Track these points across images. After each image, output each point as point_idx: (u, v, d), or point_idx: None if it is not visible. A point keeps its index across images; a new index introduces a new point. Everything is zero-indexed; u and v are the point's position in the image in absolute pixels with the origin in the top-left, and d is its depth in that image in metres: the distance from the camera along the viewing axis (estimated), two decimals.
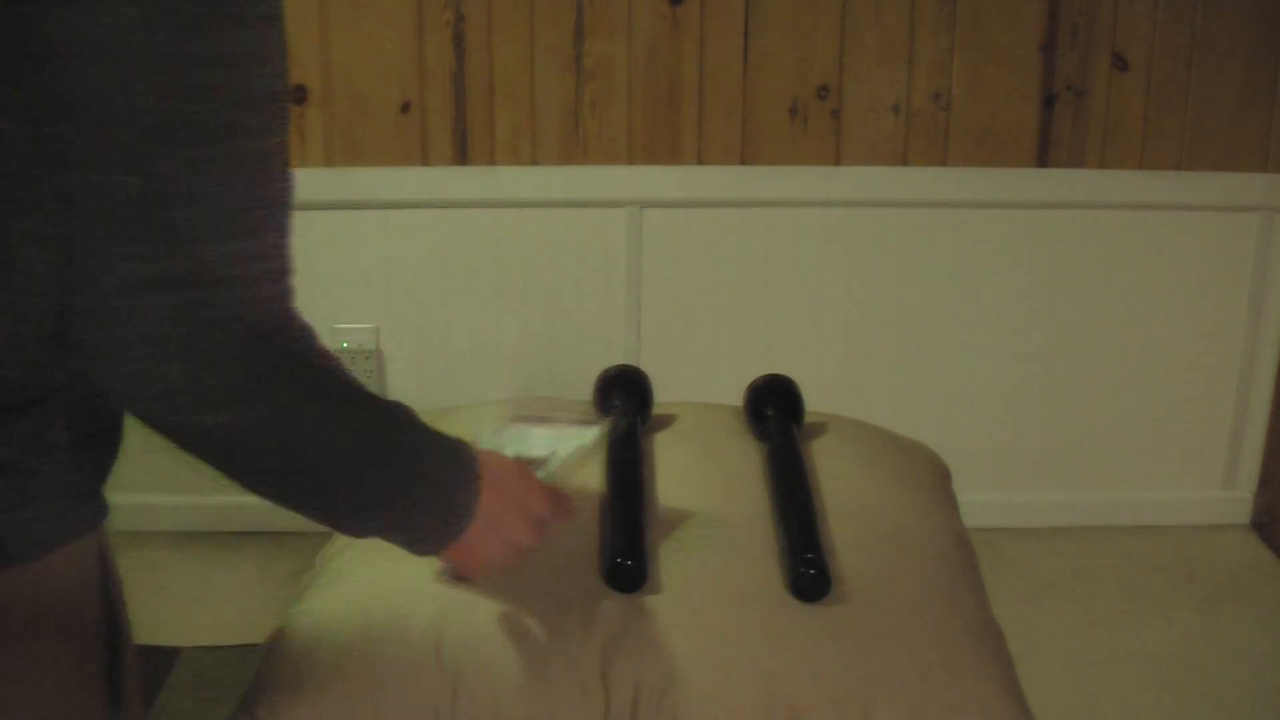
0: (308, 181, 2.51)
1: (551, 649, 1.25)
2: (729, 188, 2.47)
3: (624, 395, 1.69)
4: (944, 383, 2.59)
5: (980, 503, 2.57)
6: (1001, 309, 2.55)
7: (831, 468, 1.59)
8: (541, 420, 1.45)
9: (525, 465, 1.21)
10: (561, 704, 1.23)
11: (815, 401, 1.69)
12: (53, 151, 0.84)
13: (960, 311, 2.55)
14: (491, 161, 2.45)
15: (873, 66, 2.42)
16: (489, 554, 1.14)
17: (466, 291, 2.50)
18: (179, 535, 2.53)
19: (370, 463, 1.00)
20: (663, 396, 1.73)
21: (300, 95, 2.36)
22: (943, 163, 2.48)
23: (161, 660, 2.17)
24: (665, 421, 1.71)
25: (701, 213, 2.48)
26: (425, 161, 2.44)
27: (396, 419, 1.03)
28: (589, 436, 1.39)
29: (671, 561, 1.37)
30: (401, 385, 2.54)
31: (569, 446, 1.36)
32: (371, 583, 1.35)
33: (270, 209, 0.90)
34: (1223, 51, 2.43)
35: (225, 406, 0.91)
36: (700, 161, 2.46)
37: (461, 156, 2.44)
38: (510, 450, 1.30)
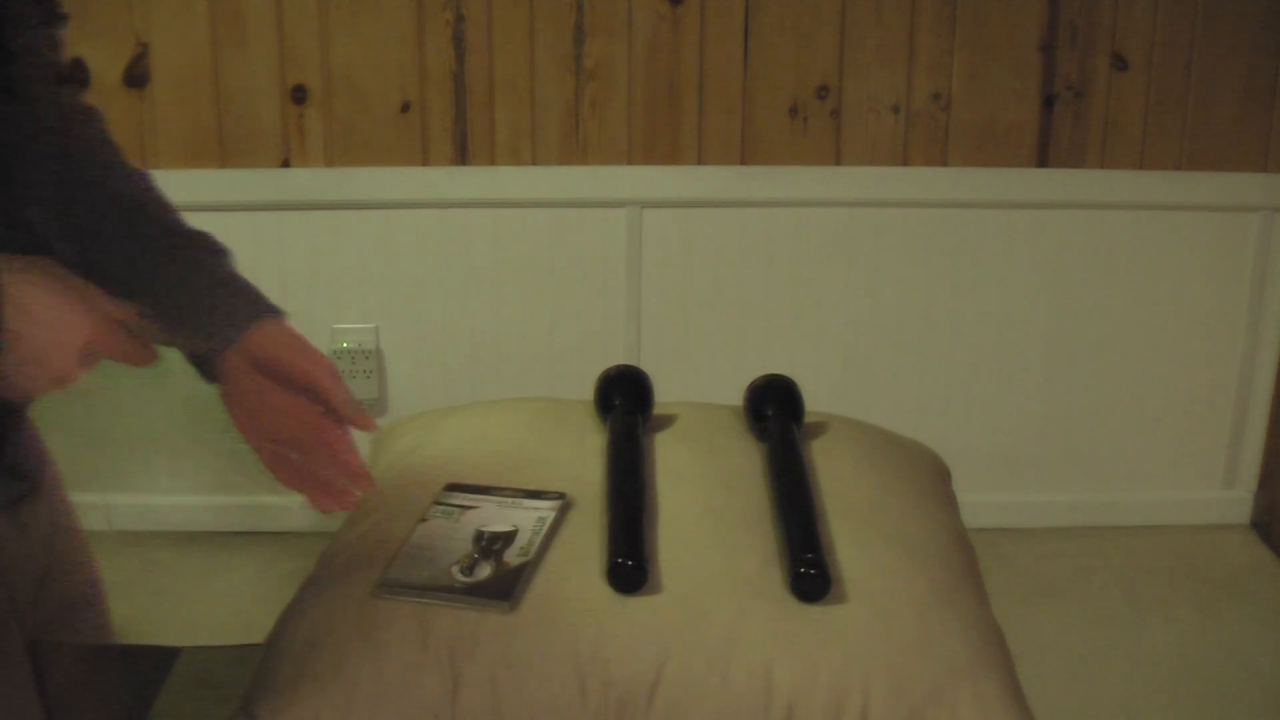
0: (308, 181, 2.53)
1: (551, 648, 1.26)
2: (729, 188, 2.47)
3: (624, 395, 1.69)
4: (944, 383, 2.59)
5: (980, 503, 2.58)
6: (1001, 309, 2.55)
7: (831, 468, 1.59)
8: (482, 492, 1.47)
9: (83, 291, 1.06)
10: (561, 703, 1.23)
11: (815, 401, 1.69)
12: None
13: (960, 311, 2.54)
14: (491, 162, 2.45)
15: (873, 66, 2.42)
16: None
17: (466, 291, 2.50)
18: (179, 535, 2.53)
19: None
20: (663, 396, 1.73)
21: (300, 95, 2.36)
22: (943, 163, 2.48)
23: (161, 660, 2.17)
24: (665, 421, 1.71)
25: (701, 213, 2.48)
26: (425, 161, 2.44)
27: None
28: (546, 510, 1.42)
29: (671, 561, 1.37)
30: (401, 385, 2.54)
31: (530, 520, 1.39)
32: (371, 582, 1.35)
33: None
34: (1223, 51, 2.43)
35: None
36: (700, 161, 2.46)
37: (461, 156, 2.44)
38: (470, 527, 1.35)
